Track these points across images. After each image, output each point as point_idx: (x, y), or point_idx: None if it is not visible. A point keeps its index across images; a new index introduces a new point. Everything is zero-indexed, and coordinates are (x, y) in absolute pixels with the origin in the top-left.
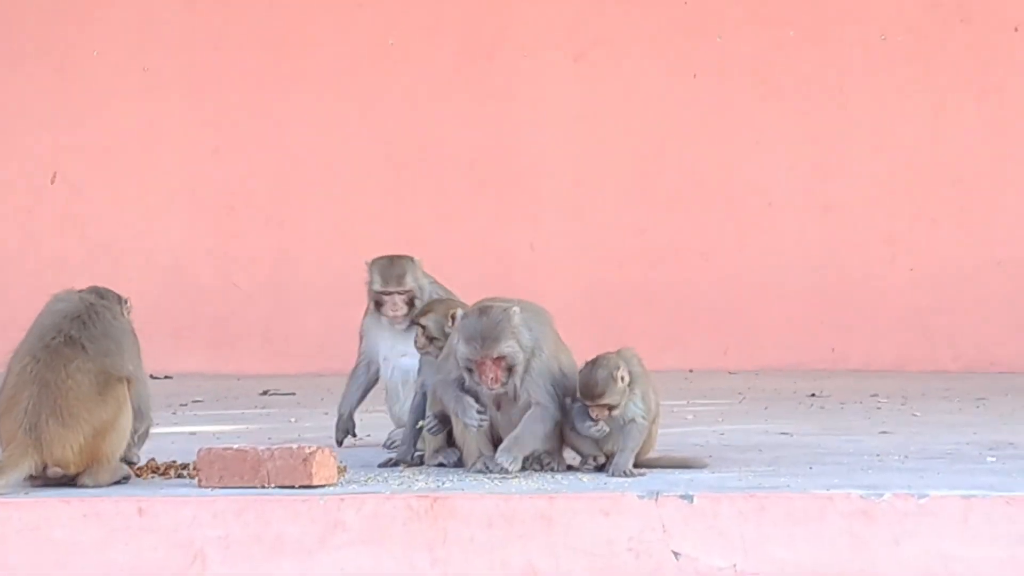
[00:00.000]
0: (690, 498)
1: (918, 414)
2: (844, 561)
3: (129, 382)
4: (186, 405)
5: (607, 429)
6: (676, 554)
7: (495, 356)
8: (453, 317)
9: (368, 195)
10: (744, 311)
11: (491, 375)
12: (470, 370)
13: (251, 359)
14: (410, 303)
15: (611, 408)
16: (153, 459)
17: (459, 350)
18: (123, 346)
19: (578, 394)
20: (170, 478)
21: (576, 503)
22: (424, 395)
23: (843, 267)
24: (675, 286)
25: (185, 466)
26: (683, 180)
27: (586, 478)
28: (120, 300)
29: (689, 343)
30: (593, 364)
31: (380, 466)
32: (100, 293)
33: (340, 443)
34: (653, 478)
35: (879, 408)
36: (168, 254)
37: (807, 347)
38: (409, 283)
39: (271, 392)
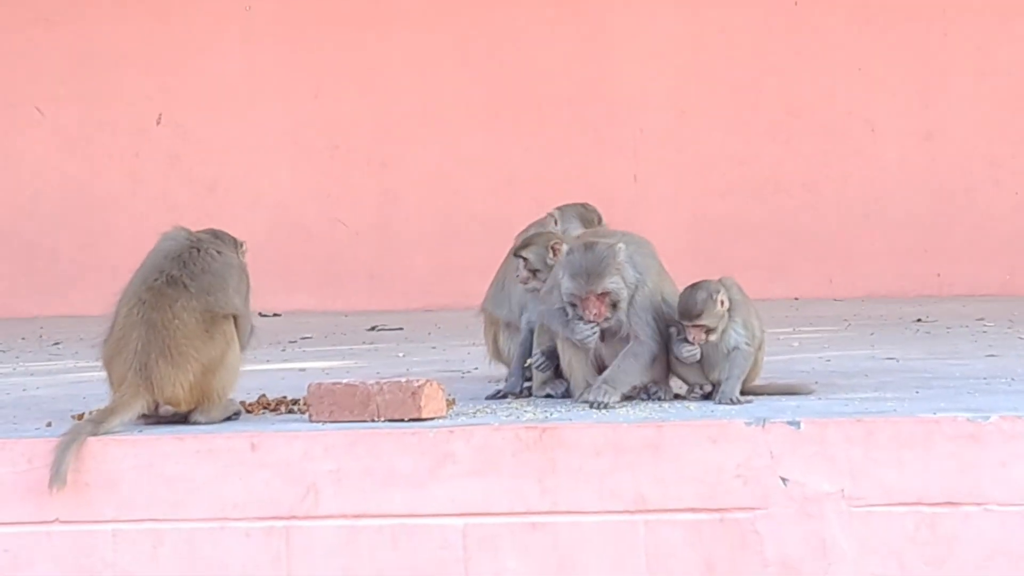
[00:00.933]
0: (797, 424)
1: None
2: (952, 485)
3: (236, 318)
4: (295, 342)
5: (698, 355)
6: (784, 480)
7: (599, 292)
8: (555, 249)
9: (469, 134)
10: (848, 239)
11: (595, 310)
12: (574, 305)
13: (358, 296)
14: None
15: (709, 331)
16: (264, 395)
17: (564, 285)
18: (227, 282)
19: (677, 315)
20: (281, 414)
21: (683, 431)
22: (531, 331)
23: (947, 193)
24: (778, 216)
25: (296, 401)
26: (784, 110)
27: (693, 406)
28: (235, 242)
29: (794, 272)
30: (693, 287)
31: (488, 399)
32: (215, 233)
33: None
34: (760, 405)
35: (985, 332)
36: (273, 195)
37: (912, 273)
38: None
39: (379, 328)
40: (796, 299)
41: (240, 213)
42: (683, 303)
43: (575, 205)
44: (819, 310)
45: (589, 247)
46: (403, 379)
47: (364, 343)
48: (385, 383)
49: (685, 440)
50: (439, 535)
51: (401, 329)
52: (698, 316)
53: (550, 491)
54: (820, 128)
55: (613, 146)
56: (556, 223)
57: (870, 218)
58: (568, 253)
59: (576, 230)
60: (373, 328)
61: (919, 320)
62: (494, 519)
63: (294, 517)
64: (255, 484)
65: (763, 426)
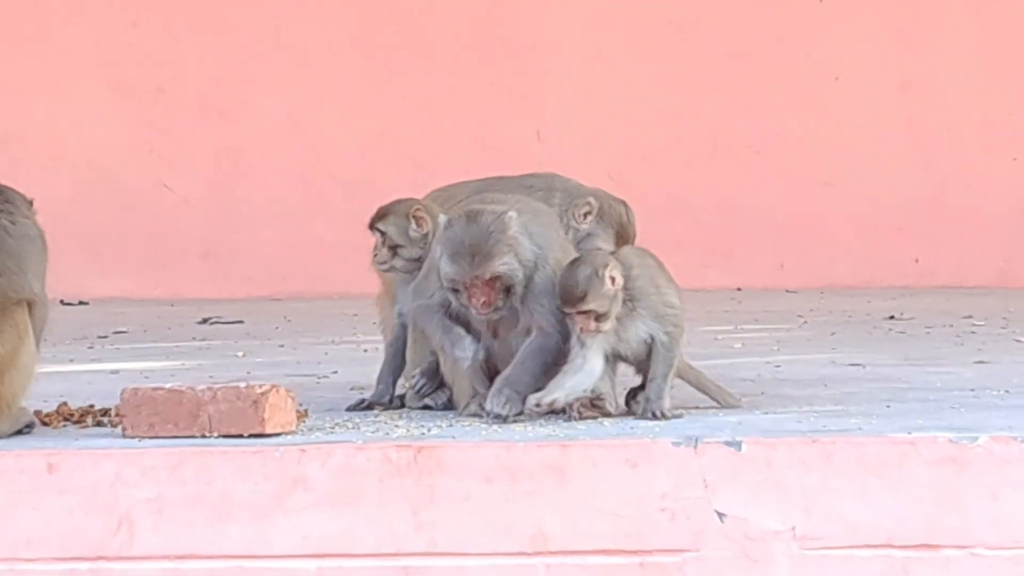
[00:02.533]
0: (738, 445)
1: (1022, 339)
2: (930, 521)
3: (31, 305)
4: (106, 337)
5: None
6: (721, 515)
7: (488, 276)
8: (416, 218)
9: (338, 75)
10: (804, 215)
11: (483, 299)
12: (457, 291)
13: (187, 280)
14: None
15: (598, 317)
16: (65, 403)
17: (443, 268)
18: (23, 259)
19: (557, 301)
20: (87, 426)
21: (595, 452)
22: (403, 326)
23: (929, 158)
24: (718, 186)
25: (106, 412)
26: (727, 51)
27: (608, 422)
28: (24, 201)
29: (736, 256)
30: (573, 263)
31: (349, 410)
32: (3, 194)
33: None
34: (692, 421)
35: (974, 332)
36: (81, 149)
37: (884, 259)
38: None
39: (213, 320)
40: (738, 289)
41: (38, 172)
42: (561, 284)
43: (616, 201)
44: (767, 303)
45: (472, 218)
46: (242, 384)
47: (194, 339)
48: (219, 389)
49: (597, 463)
50: None
51: (241, 322)
52: (580, 300)
53: (427, 526)
54: (772, 75)
55: (512, 94)
56: (586, 217)
57: (832, 188)
58: (446, 227)
59: (605, 239)
60: (205, 321)
61: (892, 317)
62: (356, 561)
63: (102, 558)
64: (53, 515)
65: (695, 447)
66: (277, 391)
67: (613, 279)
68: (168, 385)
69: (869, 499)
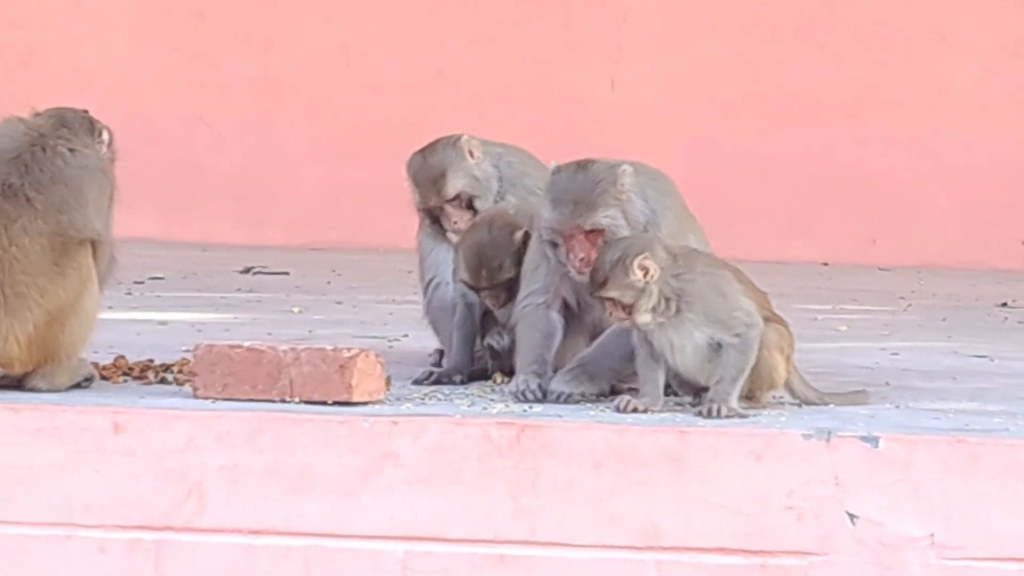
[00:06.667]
0: (875, 441)
1: None
2: None
3: (95, 246)
4: (143, 283)
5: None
6: (852, 517)
7: (588, 228)
8: (472, 153)
9: (393, 4)
10: (900, 187)
11: (581, 254)
12: (556, 245)
13: (219, 224)
14: (470, 206)
15: (626, 308)
16: (123, 356)
17: (544, 215)
18: (85, 195)
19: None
20: (149, 382)
21: (717, 441)
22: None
23: None
24: (807, 150)
25: (168, 367)
26: (824, 2)
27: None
28: (93, 128)
29: (823, 227)
30: (612, 243)
31: (416, 383)
32: (62, 119)
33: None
34: (823, 412)
35: None
36: (110, 75)
37: (987, 239)
38: (458, 186)
39: (255, 270)
40: (825, 264)
41: (60, 97)
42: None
43: None
44: (861, 281)
45: (582, 166)
46: (328, 346)
47: (239, 290)
48: (303, 350)
49: (719, 454)
50: (370, 564)
51: (287, 274)
52: (601, 285)
53: (527, 512)
54: (871, 32)
55: (585, 36)
56: None
57: (933, 159)
58: (554, 173)
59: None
60: (248, 270)
61: (1005, 304)
62: (448, 547)
63: (169, 528)
64: (117, 480)
65: (828, 440)
66: (367, 356)
67: (646, 270)
68: (246, 343)
69: (1018, 508)
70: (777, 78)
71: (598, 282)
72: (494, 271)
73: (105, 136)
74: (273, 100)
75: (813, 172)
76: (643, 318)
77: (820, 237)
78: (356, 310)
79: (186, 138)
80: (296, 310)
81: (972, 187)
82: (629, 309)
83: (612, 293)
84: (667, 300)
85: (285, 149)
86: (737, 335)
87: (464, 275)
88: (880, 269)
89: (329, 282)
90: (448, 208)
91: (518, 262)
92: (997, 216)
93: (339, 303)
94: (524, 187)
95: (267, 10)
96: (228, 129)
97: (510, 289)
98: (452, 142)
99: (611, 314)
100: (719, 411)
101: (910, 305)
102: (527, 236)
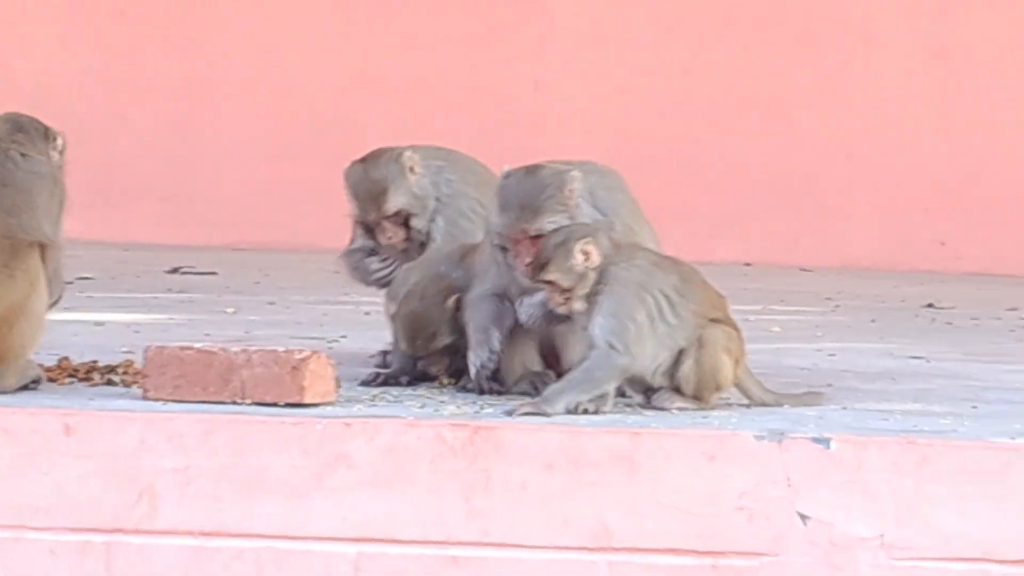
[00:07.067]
0: (826, 443)
1: None
2: None
3: (43, 249)
4: (71, 283)
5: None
6: (804, 517)
7: (533, 233)
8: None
9: (320, 4)
10: (823, 188)
11: (528, 259)
12: (504, 249)
13: (142, 223)
14: (406, 223)
15: (564, 292)
16: (66, 357)
17: (492, 220)
18: (35, 199)
19: None
20: (95, 384)
21: (669, 443)
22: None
23: (962, 134)
24: (731, 151)
25: (112, 368)
26: (749, 1)
27: (677, 410)
28: (48, 134)
29: (748, 228)
30: (557, 230)
31: (364, 384)
32: (16, 123)
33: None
34: (773, 414)
35: None
36: (30, 72)
37: (907, 240)
38: (398, 204)
39: (183, 270)
40: (747, 264)
41: None
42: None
43: None
44: (785, 282)
45: (531, 171)
46: (280, 348)
47: (170, 290)
48: (255, 352)
49: (671, 455)
50: (322, 565)
51: (215, 274)
52: (542, 268)
53: (480, 514)
54: (795, 33)
55: (509, 37)
56: None
57: (855, 161)
58: (504, 177)
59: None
60: (176, 270)
61: (930, 305)
62: (400, 548)
63: (120, 530)
64: (68, 482)
65: (780, 442)
66: (319, 358)
67: (587, 255)
68: (196, 344)
69: (966, 509)
70: (701, 80)
71: (540, 264)
72: (429, 339)
73: (59, 142)
74: (198, 99)
75: (736, 173)
76: (579, 305)
77: (743, 238)
78: (290, 311)
79: (108, 138)
80: (230, 311)
81: (894, 189)
82: (568, 295)
83: (552, 276)
84: (596, 285)
85: (209, 150)
86: (615, 345)
87: (402, 344)
88: (802, 270)
89: (258, 282)
90: (384, 223)
91: (454, 328)
92: (918, 217)
93: (272, 303)
94: (456, 208)
95: (191, 8)
96: (151, 130)
97: (453, 354)
98: (395, 157)
99: (550, 299)
100: (534, 410)
101: (838, 306)
102: (460, 302)
